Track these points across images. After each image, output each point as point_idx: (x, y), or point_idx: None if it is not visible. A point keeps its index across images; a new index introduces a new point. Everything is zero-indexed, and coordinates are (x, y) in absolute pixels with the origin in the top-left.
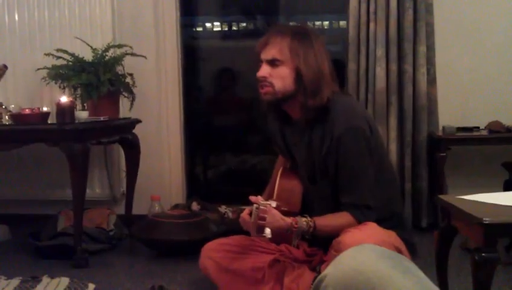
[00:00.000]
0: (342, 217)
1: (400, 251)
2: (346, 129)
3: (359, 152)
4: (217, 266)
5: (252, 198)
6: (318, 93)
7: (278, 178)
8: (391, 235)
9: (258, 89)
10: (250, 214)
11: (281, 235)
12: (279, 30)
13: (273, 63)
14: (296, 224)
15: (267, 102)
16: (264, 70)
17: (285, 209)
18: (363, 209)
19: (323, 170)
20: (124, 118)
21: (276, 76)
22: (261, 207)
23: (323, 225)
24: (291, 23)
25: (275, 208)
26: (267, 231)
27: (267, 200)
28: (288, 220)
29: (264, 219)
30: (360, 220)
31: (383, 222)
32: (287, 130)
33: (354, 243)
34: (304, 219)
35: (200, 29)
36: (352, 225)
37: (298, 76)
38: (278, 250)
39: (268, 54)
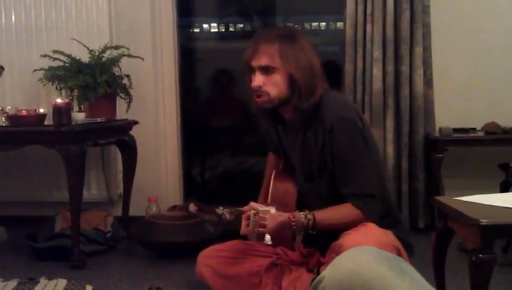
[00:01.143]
0: (343, 208)
1: (399, 252)
2: (337, 120)
3: (353, 141)
4: (214, 272)
5: (247, 207)
6: (312, 93)
7: (272, 180)
8: (390, 236)
9: (252, 98)
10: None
11: (281, 238)
12: (267, 36)
13: (266, 70)
14: (294, 218)
15: (264, 109)
16: (259, 80)
17: (281, 212)
18: (365, 198)
19: (320, 166)
20: (121, 120)
21: (271, 84)
22: (261, 215)
23: (324, 217)
24: (278, 26)
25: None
26: (267, 237)
27: (264, 203)
28: (286, 214)
29: (264, 226)
30: (363, 210)
31: (379, 220)
32: (280, 130)
33: (355, 246)
34: (301, 213)
35: (197, 30)
36: (356, 216)
37: (292, 81)
38: (274, 253)
39: (260, 60)
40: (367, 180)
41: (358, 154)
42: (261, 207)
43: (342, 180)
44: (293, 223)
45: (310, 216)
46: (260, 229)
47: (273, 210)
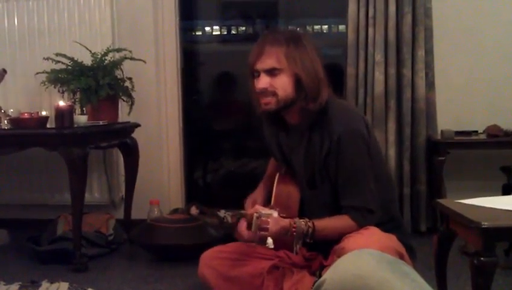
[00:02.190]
0: (341, 219)
1: (401, 255)
2: (345, 131)
3: (358, 154)
4: (216, 273)
5: (250, 210)
6: (318, 96)
7: (275, 184)
8: (393, 240)
9: (255, 101)
10: (249, 226)
11: (281, 242)
12: (273, 38)
13: (272, 72)
14: (295, 224)
15: (269, 112)
16: (264, 81)
17: (284, 215)
18: (364, 212)
19: (324, 172)
20: (123, 122)
21: (277, 85)
22: (263, 218)
23: (323, 226)
24: (283, 28)
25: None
26: (269, 240)
27: (265, 206)
28: (287, 220)
29: (266, 229)
30: (360, 224)
31: (381, 225)
32: (282, 136)
33: (357, 249)
34: (302, 220)
35: (199, 33)
36: (353, 228)
37: (298, 82)
38: (276, 256)
39: (265, 63)
40: (368, 195)
41: (362, 168)
42: (263, 210)
43: (343, 191)
44: (294, 230)
45: (309, 224)
46: (262, 232)
47: (275, 214)
